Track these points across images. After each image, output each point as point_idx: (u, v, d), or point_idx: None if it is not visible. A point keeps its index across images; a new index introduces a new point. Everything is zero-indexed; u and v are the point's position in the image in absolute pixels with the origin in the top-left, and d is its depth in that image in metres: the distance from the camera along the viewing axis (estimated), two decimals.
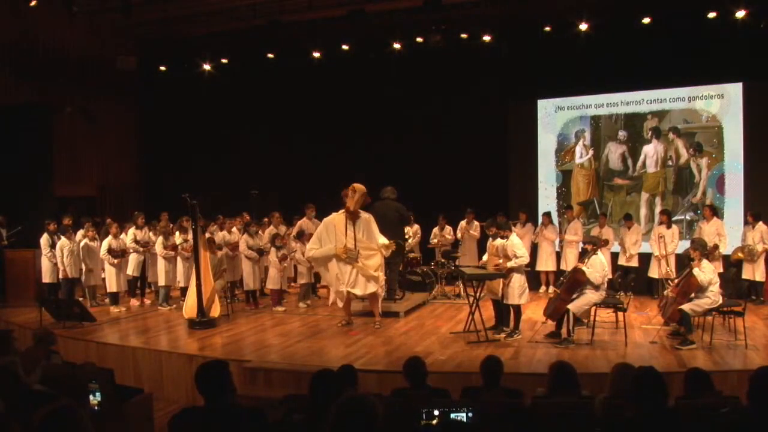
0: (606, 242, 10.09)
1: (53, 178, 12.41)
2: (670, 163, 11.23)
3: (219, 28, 13.02)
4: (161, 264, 9.93)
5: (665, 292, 7.81)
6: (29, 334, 7.03)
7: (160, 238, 9.93)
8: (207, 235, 9.70)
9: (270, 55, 12.94)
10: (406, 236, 11.01)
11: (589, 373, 5.87)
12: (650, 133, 11.34)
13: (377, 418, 2.45)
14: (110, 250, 9.76)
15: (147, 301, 10.43)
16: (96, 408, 4.56)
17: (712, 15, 10.07)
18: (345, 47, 12.42)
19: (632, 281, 9.34)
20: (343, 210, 8.22)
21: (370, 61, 12.40)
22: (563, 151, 12.00)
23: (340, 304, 8.45)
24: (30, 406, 3.95)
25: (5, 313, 9.66)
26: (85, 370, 5.14)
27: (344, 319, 8.53)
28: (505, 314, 7.82)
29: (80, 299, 9.61)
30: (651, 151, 11.34)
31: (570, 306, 7.23)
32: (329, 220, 8.35)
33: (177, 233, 10.01)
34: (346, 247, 8.03)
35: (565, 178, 12.00)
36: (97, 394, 4.61)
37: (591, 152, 11.79)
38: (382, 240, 8.26)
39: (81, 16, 11.93)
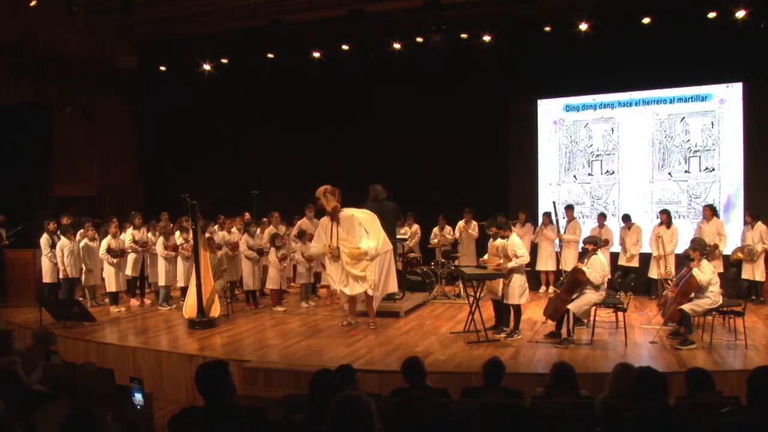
0: (606, 242, 10.10)
1: (53, 178, 12.39)
2: None
3: (219, 28, 13.02)
4: (161, 264, 9.93)
5: (665, 292, 7.81)
6: (29, 334, 7.05)
7: (161, 239, 9.92)
8: (207, 235, 9.70)
9: (270, 55, 12.94)
10: (406, 236, 11.01)
11: (589, 373, 5.87)
12: None
13: (371, 416, 2.46)
14: (109, 250, 9.76)
15: (147, 301, 10.43)
16: (139, 407, 4.61)
17: (712, 15, 10.06)
18: (345, 47, 12.42)
19: (632, 281, 9.33)
20: None
21: (370, 61, 12.40)
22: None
23: (343, 302, 8.56)
24: (30, 406, 3.96)
25: (5, 313, 9.66)
26: (86, 370, 5.15)
27: (346, 318, 8.54)
28: (505, 314, 7.82)
29: (80, 299, 9.62)
30: None
31: (570, 306, 7.23)
32: (322, 220, 8.66)
33: (177, 233, 10.02)
34: (331, 245, 8.20)
35: None
36: (138, 394, 4.65)
37: None
38: (364, 243, 8.14)
39: (81, 16, 11.96)
